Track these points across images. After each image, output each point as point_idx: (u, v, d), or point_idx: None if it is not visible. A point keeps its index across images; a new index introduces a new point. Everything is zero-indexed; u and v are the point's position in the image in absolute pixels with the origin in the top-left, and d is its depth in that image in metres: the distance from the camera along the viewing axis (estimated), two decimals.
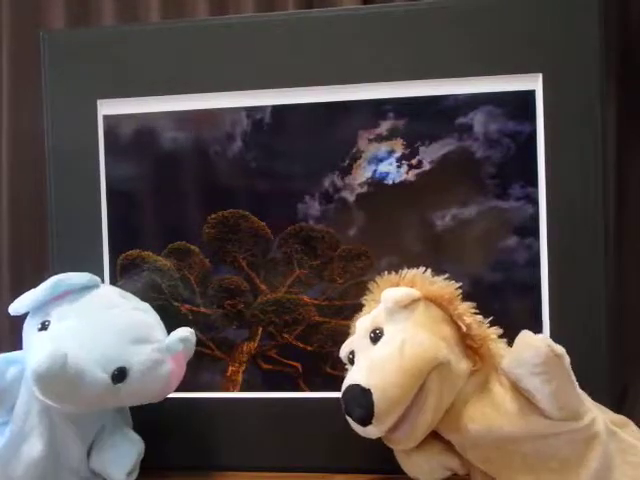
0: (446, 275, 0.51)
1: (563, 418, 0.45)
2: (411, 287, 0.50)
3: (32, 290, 0.52)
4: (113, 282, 0.62)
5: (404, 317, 0.48)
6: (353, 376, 0.47)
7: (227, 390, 0.62)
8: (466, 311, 0.49)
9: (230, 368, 0.62)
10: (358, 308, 0.55)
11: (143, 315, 0.54)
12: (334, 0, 0.74)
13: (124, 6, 0.77)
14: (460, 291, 0.50)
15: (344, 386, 0.48)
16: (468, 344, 0.49)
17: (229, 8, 0.76)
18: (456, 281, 0.51)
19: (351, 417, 0.47)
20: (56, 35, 0.65)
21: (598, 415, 0.47)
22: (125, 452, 0.53)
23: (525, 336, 0.46)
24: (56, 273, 0.62)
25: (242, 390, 0.62)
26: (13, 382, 0.50)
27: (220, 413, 0.62)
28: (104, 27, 0.76)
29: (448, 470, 0.50)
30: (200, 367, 0.61)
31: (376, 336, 0.49)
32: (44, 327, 0.50)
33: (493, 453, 0.47)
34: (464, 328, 0.48)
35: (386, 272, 0.54)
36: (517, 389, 0.47)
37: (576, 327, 0.57)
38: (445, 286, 0.50)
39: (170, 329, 0.55)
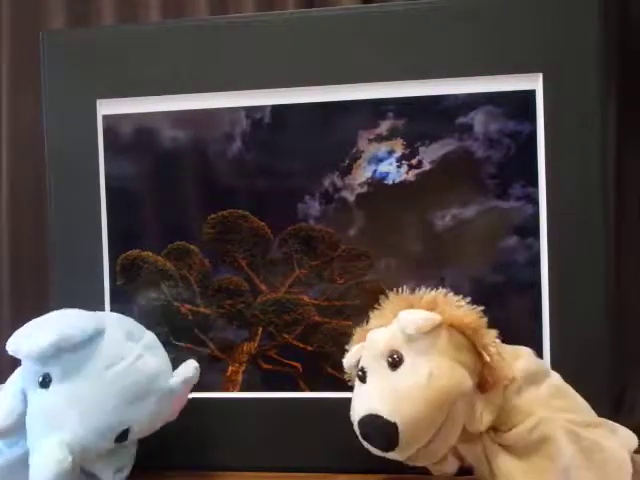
0: (468, 299, 0.49)
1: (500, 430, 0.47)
2: (431, 309, 0.48)
3: (32, 338, 0.48)
4: (113, 282, 0.63)
5: (427, 344, 0.46)
6: (371, 404, 0.46)
7: (227, 390, 0.62)
8: (491, 341, 0.47)
9: (230, 368, 0.62)
10: (358, 308, 0.55)
11: (147, 364, 0.51)
12: (334, 0, 0.74)
13: (124, 6, 0.78)
14: (486, 319, 0.48)
15: (360, 410, 0.46)
16: (485, 377, 0.47)
17: (229, 8, 0.76)
18: (456, 281, 0.51)
19: (371, 445, 0.46)
20: (56, 35, 0.65)
21: (548, 418, 0.47)
22: (113, 450, 0.52)
23: None
24: (56, 273, 0.62)
25: (242, 390, 0.62)
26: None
27: (220, 413, 0.61)
28: (104, 27, 0.76)
29: (458, 460, 0.51)
30: (200, 367, 0.61)
31: (394, 361, 0.47)
32: (45, 383, 0.48)
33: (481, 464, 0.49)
34: (488, 359, 0.47)
35: (385, 271, 0.53)
36: None
37: (576, 327, 0.57)
38: (470, 312, 0.48)
39: (170, 329, 0.55)
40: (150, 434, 0.55)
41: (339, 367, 0.56)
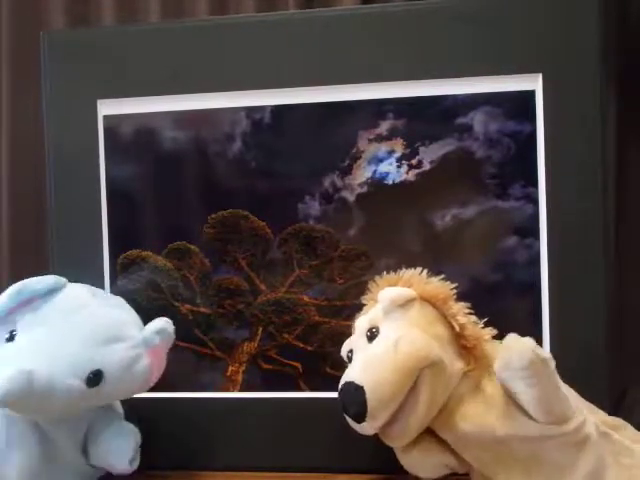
0: (442, 275, 0.52)
1: (550, 422, 0.45)
2: (408, 287, 0.50)
3: None
4: (113, 282, 0.63)
5: (399, 316, 0.49)
6: (349, 374, 0.48)
7: (227, 390, 0.62)
8: (460, 311, 0.49)
9: (230, 368, 0.62)
10: (358, 308, 0.55)
11: (114, 312, 0.53)
12: (334, 0, 0.74)
13: (124, 6, 0.78)
14: (455, 291, 0.51)
15: (340, 384, 0.48)
16: (462, 344, 0.49)
17: (229, 8, 0.76)
18: (456, 281, 0.51)
19: (346, 414, 0.47)
20: (56, 35, 0.65)
21: (588, 417, 0.46)
22: (123, 441, 0.53)
23: (512, 339, 0.46)
24: (56, 273, 0.62)
25: (242, 390, 0.62)
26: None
27: (220, 413, 0.61)
28: (104, 27, 0.76)
29: (448, 468, 0.50)
30: (200, 367, 0.61)
31: (372, 334, 0.49)
32: (11, 337, 0.49)
33: (486, 453, 0.47)
34: (457, 328, 0.48)
35: (386, 272, 0.54)
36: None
37: (576, 327, 0.57)
38: (440, 286, 0.51)
39: None
40: (149, 434, 0.55)
41: (339, 367, 0.56)
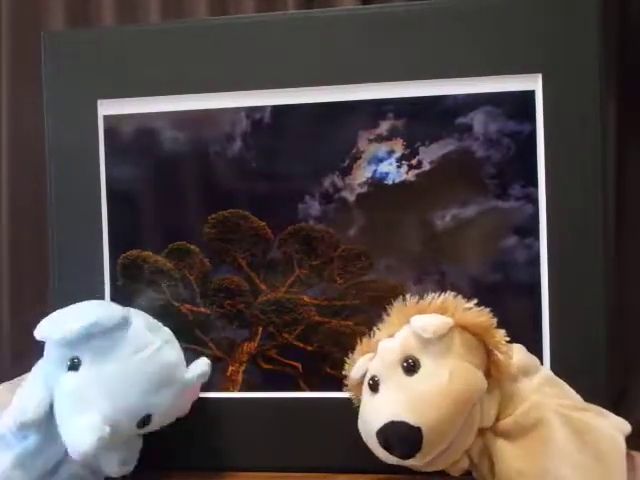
0: (475, 301, 0.50)
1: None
2: (442, 314, 0.48)
3: (60, 319, 0.51)
4: (113, 282, 0.63)
5: (443, 348, 0.47)
6: (393, 410, 0.46)
7: (227, 390, 0.62)
8: (502, 339, 0.48)
9: (230, 368, 0.62)
10: (358, 309, 0.55)
11: (168, 353, 0.53)
12: (334, 0, 0.74)
13: (124, 6, 0.78)
14: (495, 319, 0.49)
15: (379, 419, 0.46)
16: (490, 370, 0.48)
17: (229, 8, 0.76)
18: (456, 281, 0.51)
19: (392, 453, 0.46)
20: (56, 35, 0.65)
21: (539, 402, 0.48)
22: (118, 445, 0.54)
23: None
24: (56, 273, 0.62)
25: (242, 390, 0.62)
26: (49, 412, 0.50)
27: (220, 413, 0.61)
28: (104, 27, 0.76)
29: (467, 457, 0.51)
30: None
31: (409, 366, 0.47)
32: (74, 366, 0.50)
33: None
34: (501, 357, 0.47)
35: (385, 270, 0.54)
36: None
37: (576, 327, 0.57)
38: (481, 314, 0.49)
39: (170, 329, 0.55)
40: (148, 434, 0.55)
41: (339, 367, 0.56)
